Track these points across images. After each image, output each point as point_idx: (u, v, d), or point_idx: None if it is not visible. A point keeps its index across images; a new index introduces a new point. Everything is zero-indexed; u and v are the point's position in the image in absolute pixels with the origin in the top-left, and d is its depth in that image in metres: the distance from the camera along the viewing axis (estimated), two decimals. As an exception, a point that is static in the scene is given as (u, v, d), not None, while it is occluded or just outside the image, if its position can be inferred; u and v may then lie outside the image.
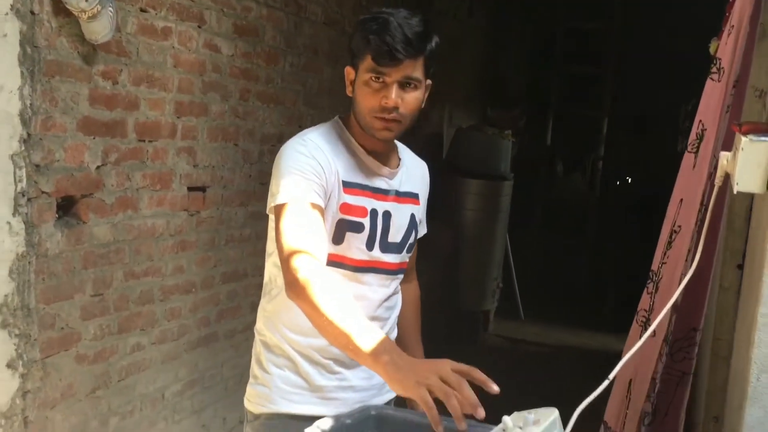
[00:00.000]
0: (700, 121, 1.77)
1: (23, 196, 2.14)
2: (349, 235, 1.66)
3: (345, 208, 1.65)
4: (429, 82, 1.67)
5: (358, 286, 1.68)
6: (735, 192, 1.36)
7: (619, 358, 1.46)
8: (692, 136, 1.78)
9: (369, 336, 1.34)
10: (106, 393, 2.58)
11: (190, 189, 2.88)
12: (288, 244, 1.50)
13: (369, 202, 1.68)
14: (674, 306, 1.65)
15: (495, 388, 1.24)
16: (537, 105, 7.83)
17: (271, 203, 1.59)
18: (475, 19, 6.11)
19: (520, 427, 1.26)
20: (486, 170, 5.34)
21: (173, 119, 2.74)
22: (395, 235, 1.73)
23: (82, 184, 2.37)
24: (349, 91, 1.68)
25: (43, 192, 2.22)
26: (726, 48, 1.72)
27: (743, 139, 1.33)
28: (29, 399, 2.25)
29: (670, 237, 1.84)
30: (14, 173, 2.10)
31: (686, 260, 1.81)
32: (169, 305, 2.85)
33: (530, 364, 5.30)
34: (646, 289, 1.91)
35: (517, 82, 7.50)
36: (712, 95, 1.76)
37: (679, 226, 1.87)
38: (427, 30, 1.61)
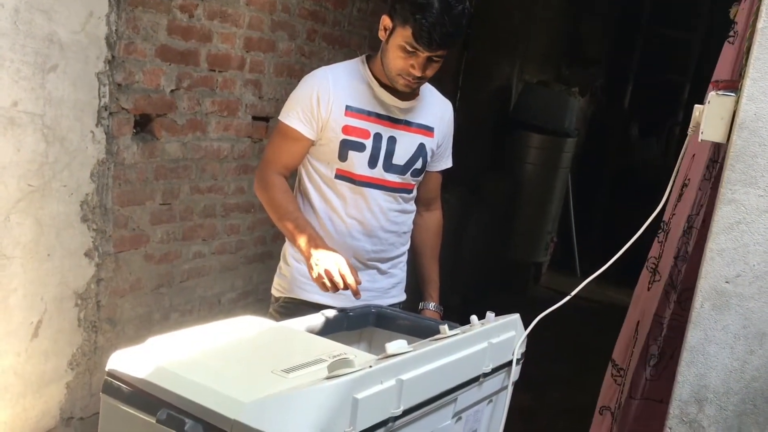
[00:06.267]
0: (716, 81, 1.88)
1: (105, 110, 2.48)
2: (352, 154, 1.93)
3: (347, 129, 1.92)
4: None
5: (361, 199, 1.95)
6: (699, 140, 1.52)
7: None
8: (707, 95, 1.89)
9: (303, 232, 1.88)
10: (169, 291, 2.94)
11: (254, 118, 3.18)
12: (267, 154, 2.02)
13: (373, 127, 1.94)
14: (683, 256, 1.81)
15: (357, 297, 1.77)
16: (618, 67, 7.75)
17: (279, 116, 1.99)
18: (556, -25, 6.11)
19: (482, 323, 1.49)
20: (550, 126, 5.44)
21: (242, 53, 3.02)
22: (400, 158, 1.98)
23: (158, 105, 2.69)
24: (381, 35, 1.91)
25: (123, 108, 2.55)
26: (742, 13, 1.82)
27: (711, 93, 1.48)
28: (102, 286, 2.62)
29: (681, 190, 1.97)
30: (98, 89, 2.43)
31: (691, 212, 1.94)
32: (229, 221, 3.18)
33: (573, 318, 5.42)
34: (657, 238, 2.05)
35: (597, 41, 7.44)
36: (727, 57, 1.87)
37: (689, 180, 1.99)
38: (464, 22, 1.83)
